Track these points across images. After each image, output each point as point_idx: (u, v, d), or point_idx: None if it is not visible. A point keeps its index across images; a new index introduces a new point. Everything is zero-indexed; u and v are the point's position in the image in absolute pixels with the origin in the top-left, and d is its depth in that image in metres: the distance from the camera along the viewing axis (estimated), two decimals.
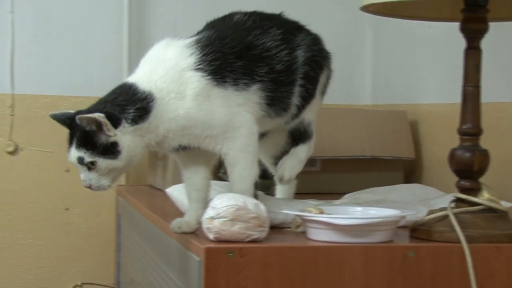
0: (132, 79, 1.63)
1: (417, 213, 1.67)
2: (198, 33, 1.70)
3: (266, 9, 1.77)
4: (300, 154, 1.80)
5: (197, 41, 1.64)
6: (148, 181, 2.74)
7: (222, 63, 1.61)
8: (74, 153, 1.56)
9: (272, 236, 1.53)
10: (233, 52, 1.63)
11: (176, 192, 1.89)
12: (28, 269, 2.86)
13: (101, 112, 1.54)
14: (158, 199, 2.35)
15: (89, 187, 1.58)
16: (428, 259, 1.51)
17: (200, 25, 1.74)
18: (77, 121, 1.53)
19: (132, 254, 2.39)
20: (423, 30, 2.53)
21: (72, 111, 1.59)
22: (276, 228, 1.66)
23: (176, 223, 1.61)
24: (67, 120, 1.58)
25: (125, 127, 1.56)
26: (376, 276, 1.49)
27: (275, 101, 1.68)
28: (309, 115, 1.80)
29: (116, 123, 1.55)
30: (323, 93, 1.84)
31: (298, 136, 1.81)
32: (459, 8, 1.62)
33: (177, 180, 1.87)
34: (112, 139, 1.55)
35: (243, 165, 1.61)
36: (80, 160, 1.56)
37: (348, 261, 1.48)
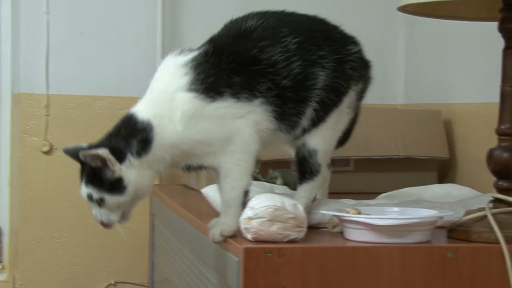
0: (134, 108, 1.56)
1: (455, 214, 1.67)
2: (204, 44, 1.60)
3: (298, 8, 1.70)
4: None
5: (193, 59, 1.55)
6: (182, 181, 2.75)
7: (218, 80, 1.53)
8: (84, 189, 1.53)
9: (310, 237, 1.54)
10: (230, 68, 1.54)
11: (212, 193, 1.89)
12: (63, 267, 2.88)
13: (106, 147, 1.50)
14: (192, 198, 2.36)
15: (102, 223, 1.56)
16: (467, 259, 1.51)
17: None
18: (81, 157, 1.49)
19: (166, 253, 2.40)
20: (456, 29, 2.52)
21: (85, 144, 1.56)
22: (312, 228, 1.66)
23: (214, 223, 1.61)
24: (78, 155, 1.53)
25: (131, 161, 1.51)
26: (414, 276, 1.49)
27: (285, 116, 1.59)
28: (315, 141, 1.64)
29: (121, 158, 1.50)
30: (352, 110, 1.69)
31: (303, 168, 1.65)
32: (497, 8, 1.61)
33: (211, 180, 1.87)
34: (117, 175, 1.50)
35: (236, 176, 1.57)
36: (90, 197, 1.53)
37: (386, 261, 1.48)
